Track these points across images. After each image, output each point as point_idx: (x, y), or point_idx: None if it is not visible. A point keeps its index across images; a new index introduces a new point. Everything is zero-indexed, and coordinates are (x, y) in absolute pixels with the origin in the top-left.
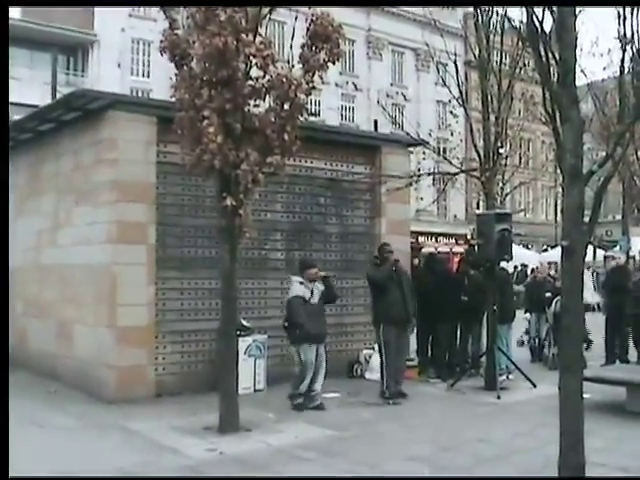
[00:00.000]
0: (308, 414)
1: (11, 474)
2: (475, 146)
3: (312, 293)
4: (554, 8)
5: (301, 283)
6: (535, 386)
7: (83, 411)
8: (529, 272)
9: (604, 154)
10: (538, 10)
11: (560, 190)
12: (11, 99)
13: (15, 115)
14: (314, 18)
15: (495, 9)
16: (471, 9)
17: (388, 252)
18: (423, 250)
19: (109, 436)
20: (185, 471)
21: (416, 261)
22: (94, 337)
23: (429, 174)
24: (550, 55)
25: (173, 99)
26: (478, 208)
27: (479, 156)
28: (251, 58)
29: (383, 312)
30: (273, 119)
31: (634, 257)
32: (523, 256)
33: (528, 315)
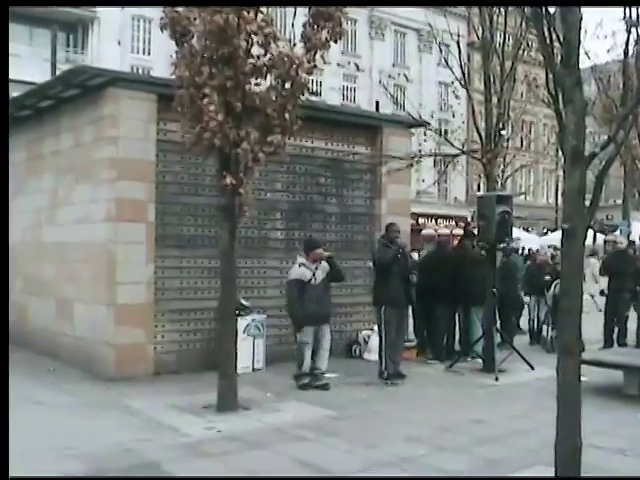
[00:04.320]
0: (307, 394)
1: (11, 452)
2: (477, 128)
3: (314, 274)
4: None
5: (301, 265)
6: (533, 368)
7: (82, 389)
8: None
9: (606, 137)
10: None
11: (561, 173)
12: (10, 76)
13: (14, 92)
14: None
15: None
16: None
17: (395, 232)
18: (423, 232)
19: (108, 414)
20: (184, 449)
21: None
22: (93, 315)
23: (430, 155)
24: (554, 36)
25: (173, 76)
26: (479, 190)
27: (481, 138)
28: (252, 36)
29: (386, 294)
30: (274, 98)
31: (634, 242)
32: (523, 239)
33: (527, 298)
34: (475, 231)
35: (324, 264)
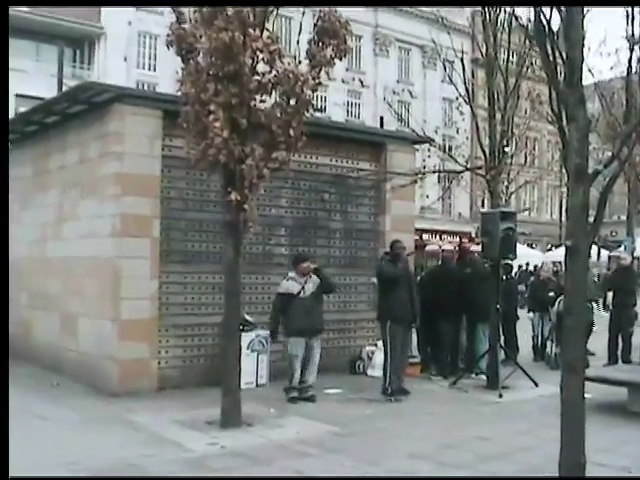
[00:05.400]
0: (310, 410)
1: (15, 466)
2: (481, 144)
3: (303, 287)
4: (562, 7)
5: (289, 279)
6: (537, 385)
7: (86, 404)
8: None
9: (610, 154)
10: (546, 8)
11: (565, 189)
12: (17, 91)
13: (21, 107)
14: (322, 14)
15: (503, 7)
16: (479, 7)
17: (401, 249)
18: (427, 247)
19: (112, 429)
20: (187, 464)
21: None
22: (98, 330)
23: (434, 172)
24: (557, 54)
25: (179, 93)
26: (483, 206)
27: (484, 154)
28: (258, 53)
29: (391, 309)
30: (279, 114)
31: (639, 258)
32: (527, 255)
33: (531, 314)
34: (472, 248)
35: (314, 277)
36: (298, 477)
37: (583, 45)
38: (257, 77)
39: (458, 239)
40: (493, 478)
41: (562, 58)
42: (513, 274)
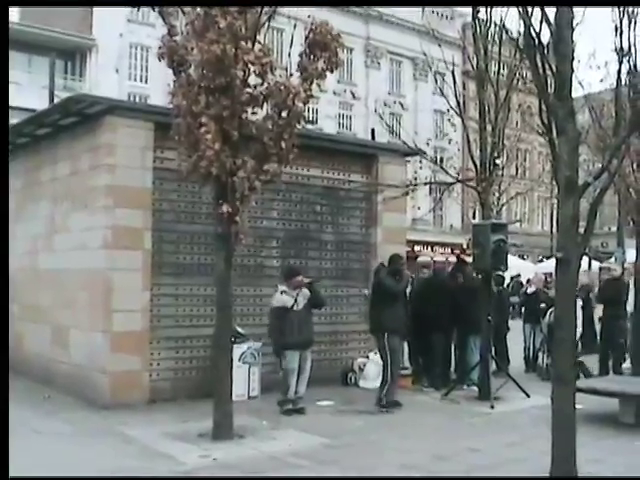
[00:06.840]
0: (302, 422)
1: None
2: (472, 156)
3: (296, 300)
4: (551, 21)
5: (282, 292)
6: (529, 396)
7: (78, 416)
8: (524, 282)
9: (600, 166)
10: (535, 22)
11: (556, 201)
12: (9, 103)
13: (12, 119)
14: (313, 27)
15: (493, 20)
16: (469, 19)
17: (402, 264)
18: (419, 259)
19: (104, 442)
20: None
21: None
22: (89, 342)
23: (425, 183)
24: (547, 67)
25: (171, 105)
26: (474, 217)
27: (476, 166)
28: (249, 65)
29: (391, 321)
30: (270, 127)
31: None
32: (518, 267)
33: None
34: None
35: (305, 290)
36: (296, 477)
37: (573, 58)
38: (248, 89)
39: (450, 250)
40: (492, 478)
41: (552, 71)
42: (505, 285)
